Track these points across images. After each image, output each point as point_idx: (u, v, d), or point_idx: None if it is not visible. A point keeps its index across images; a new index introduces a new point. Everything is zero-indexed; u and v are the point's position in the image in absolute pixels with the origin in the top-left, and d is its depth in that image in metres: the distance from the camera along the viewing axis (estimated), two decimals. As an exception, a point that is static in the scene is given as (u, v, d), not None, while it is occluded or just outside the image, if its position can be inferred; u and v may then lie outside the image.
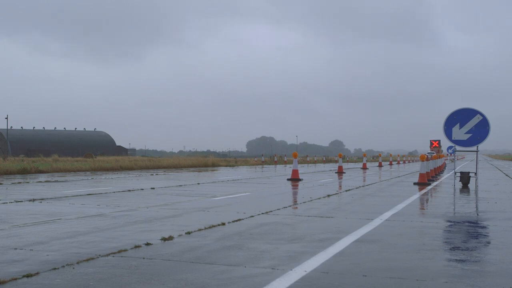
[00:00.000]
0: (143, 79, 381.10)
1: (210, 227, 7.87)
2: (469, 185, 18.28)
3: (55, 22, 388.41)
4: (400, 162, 63.79)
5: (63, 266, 5.26)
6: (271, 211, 10.06)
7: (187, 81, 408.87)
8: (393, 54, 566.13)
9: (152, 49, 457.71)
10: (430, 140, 40.34)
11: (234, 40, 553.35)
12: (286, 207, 10.88)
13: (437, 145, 39.70)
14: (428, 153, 27.41)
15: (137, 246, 6.32)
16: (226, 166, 43.91)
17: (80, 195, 13.19)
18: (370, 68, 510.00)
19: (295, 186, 17.76)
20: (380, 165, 45.25)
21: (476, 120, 16.84)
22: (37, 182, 18.91)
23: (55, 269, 5.16)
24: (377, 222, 8.74)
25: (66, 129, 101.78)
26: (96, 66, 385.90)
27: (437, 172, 27.53)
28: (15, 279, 4.78)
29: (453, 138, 17.05)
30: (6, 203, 11.25)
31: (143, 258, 5.70)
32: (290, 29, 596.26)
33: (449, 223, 8.89)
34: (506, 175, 28.84)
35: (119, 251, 6.01)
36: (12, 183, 18.10)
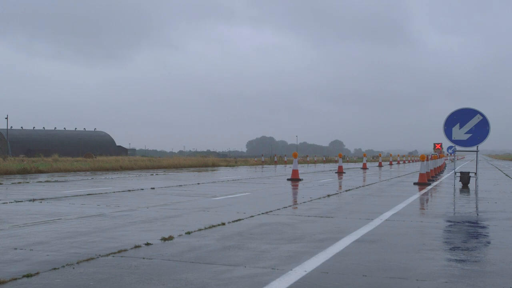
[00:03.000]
0: (140, 79, 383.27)
1: (210, 227, 7.87)
2: (469, 185, 18.29)
3: (41, 24, 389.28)
4: (400, 162, 63.82)
5: (63, 266, 5.26)
6: (271, 211, 10.06)
7: (182, 81, 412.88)
8: (384, 55, 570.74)
9: (140, 50, 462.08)
10: (434, 143, 43.18)
11: (219, 41, 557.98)
12: (286, 207, 10.88)
13: (440, 148, 42.57)
14: (432, 154, 28.65)
15: (137, 246, 6.32)
16: (226, 166, 43.90)
17: (80, 195, 13.19)
18: (366, 69, 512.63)
19: (295, 186, 17.76)
20: (380, 165, 45.26)
21: (476, 120, 16.83)
22: (37, 182, 18.91)
23: (55, 269, 5.16)
24: (377, 222, 8.74)
25: (66, 129, 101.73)
26: (87, 67, 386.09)
27: (437, 172, 27.53)
28: (15, 279, 4.78)
29: (453, 138, 17.04)
30: (6, 203, 11.24)
31: (143, 258, 5.69)
32: (272, 30, 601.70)
33: (449, 223, 8.89)
34: (506, 175, 28.84)
35: (119, 251, 6.01)
36: (12, 183, 18.10)
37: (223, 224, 8.25)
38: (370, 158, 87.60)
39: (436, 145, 43.52)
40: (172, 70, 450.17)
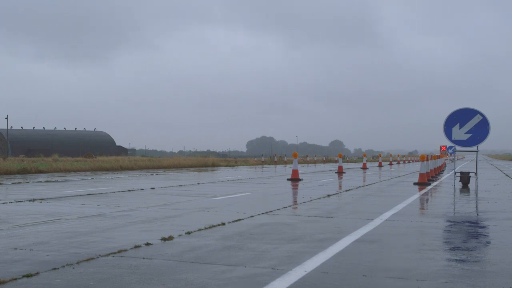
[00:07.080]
0: (140, 79, 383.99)
1: (210, 227, 7.87)
2: (469, 185, 18.29)
3: (27, 23, 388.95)
4: (400, 162, 63.83)
5: (63, 266, 5.26)
6: (271, 211, 10.06)
7: (181, 81, 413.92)
8: (384, 55, 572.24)
9: (136, 51, 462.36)
10: (440, 146, 47.05)
11: (205, 42, 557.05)
12: (286, 207, 10.88)
13: (445, 149, 45.84)
14: (435, 155, 29.86)
15: (137, 246, 6.32)
16: (226, 166, 43.89)
17: (80, 195, 13.19)
18: (366, 69, 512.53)
19: (295, 186, 17.76)
20: (380, 165, 45.27)
21: (476, 120, 16.83)
22: (37, 182, 18.91)
23: (55, 269, 5.16)
24: (377, 222, 8.74)
25: (66, 129, 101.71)
26: (86, 68, 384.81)
27: (437, 172, 27.53)
28: (15, 279, 4.78)
29: (453, 138, 17.05)
30: (6, 203, 11.24)
31: (143, 258, 5.69)
32: (249, 32, 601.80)
33: (449, 223, 8.89)
34: (506, 175, 28.84)
35: (119, 251, 6.01)
36: (12, 183, 18.10)
37: (223, 224, 8.25)
38: (370, 158, 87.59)
39: (442, 147, 46.71)
40: (171, 70, 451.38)
